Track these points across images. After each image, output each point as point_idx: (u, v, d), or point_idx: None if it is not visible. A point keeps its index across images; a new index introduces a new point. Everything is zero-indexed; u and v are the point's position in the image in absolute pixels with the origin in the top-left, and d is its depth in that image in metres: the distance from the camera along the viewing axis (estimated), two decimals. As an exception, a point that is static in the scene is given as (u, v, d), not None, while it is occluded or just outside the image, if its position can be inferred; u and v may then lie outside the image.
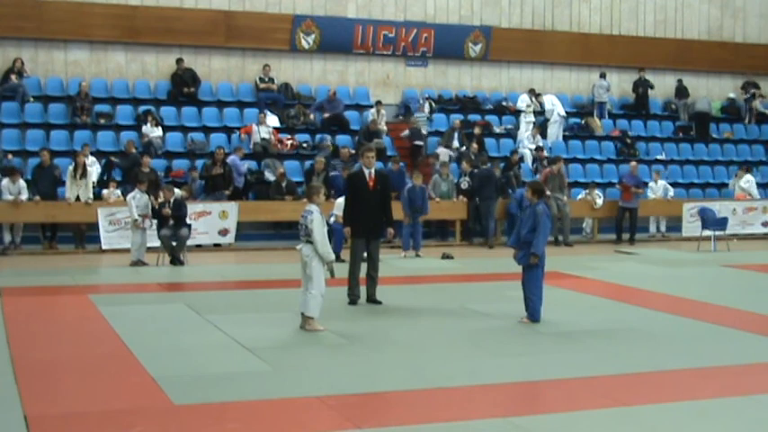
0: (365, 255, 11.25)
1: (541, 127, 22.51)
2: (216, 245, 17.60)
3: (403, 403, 6.89)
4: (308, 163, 19.56)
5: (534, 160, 21.51)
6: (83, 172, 16.97)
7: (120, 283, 13.29)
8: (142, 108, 20.10)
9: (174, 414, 6.52)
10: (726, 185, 23.08)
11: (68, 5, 20.09)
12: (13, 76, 19.34)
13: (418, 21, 22.81)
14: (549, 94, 23.41)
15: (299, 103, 21.31)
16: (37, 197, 16.70)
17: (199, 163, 19.09)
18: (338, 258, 12.80)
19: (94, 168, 17.83)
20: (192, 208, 16.41)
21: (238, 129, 20.40)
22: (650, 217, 21.19)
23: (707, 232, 18.68)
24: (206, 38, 21.13)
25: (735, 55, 25.99)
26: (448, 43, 22.95)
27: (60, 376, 7.54)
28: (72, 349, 8.57)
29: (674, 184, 22.81)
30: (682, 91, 24.94)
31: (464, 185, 19.27)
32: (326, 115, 20.99)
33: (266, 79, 21.25)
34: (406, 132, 21.34)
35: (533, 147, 21.83)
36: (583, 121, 23.79)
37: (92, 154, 18.07)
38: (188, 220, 15.45)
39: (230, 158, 18.62)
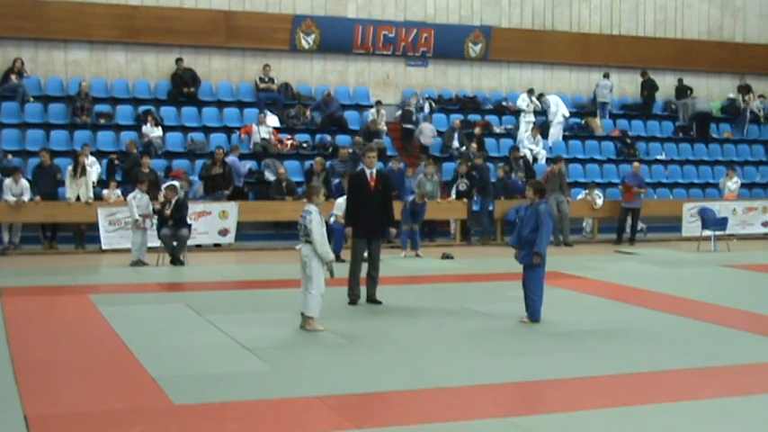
0: (366, 255, 11.26)
1: (542, 127, 22.50)
2: (216, 245, 17.60)
3: (403, 403, 6.89)
4: (307, 163, 19.57)
5: (534, 160, 21.53)
6: (83, 172, 16.97)
7: (120, 283, 13.29)
8: (142, 108, 20.10)
9: (174, 414, 6.52)
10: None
11: (68, 5, 20.09)
12: (13, 76, 19.34)
13: (418, 21, 22.81)
14: (553, 94, 23.39)
15: (299, 103, 21.31)
16: (37, 197, 16.70)
17: (199, 163, 19.10)
18: (338, 258, 12.81)
19: (94, 168, 17.83)
20: (193, 208, 16.41)
21: (238, 129, 20.40)
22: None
23: (707, 232, 18.69)
24: (206, 38, 21.13)
25: (735, 55, 25.99)
26: (448, 43, 22.94)
27: (60, 376, 7.54)
28: (72, 349, 8.57)
29: (674, 185, 22.85)
30: (682, 91, 24.94)
31: (462, 187, 19.26)
32: (323, 115, 20.98)
33: (266, 79, 21.25)
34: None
35: (533, 147, 21.85)
36: (583, 121, 23.79)
37: (92, 154, 18.07)
38: (188, 220, 15.46)
39: (230, 158, 18.62)
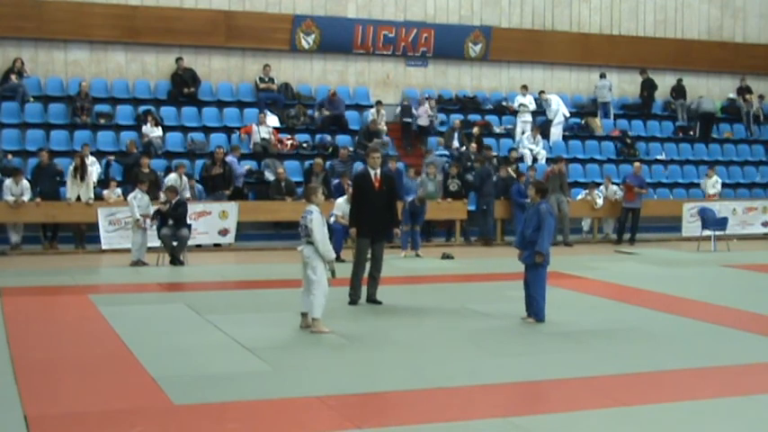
0: (369, 255, 11.24)
1: (542, 127, 22.50)
2: (216, 245, 17.60)
3: (403, 403, 6.89)
4: (307, 163, 19.57)
5: (534, 160, 21.51)
6: (84, 172, 16.97)
7: (120, 283, 13.30)
8: (142, 108, 20.09)
9: (174, 414, 6.52)
10: (726, 185, 23.04)
11: (68, 5, 20.08)
12: (13, 76, 19.33)
13: (418, 21, 22.81)
14: (553, 94, 23.38)
15: (299, 103, 21.31)
16: (37, 198, 16.70)
17: (199, 163, 19.10)
18: (338, 258, 12.80)
19: (95, 168, 17.83)
20: (192, 208, 16.41)
21: (238, 129, 20.39)
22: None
23: (707, 232, 18.69)
24: (206, 38, 21.12)
25: (735, 55, 25.98)
26: (448, 43, 22.94)
27: (60, 376, 7.54)
28: (72, 349, 8.57)
29: (674, 185, 22.84)
30: (680, 91, 24.93)
31: (453, 187, 19.24)
32: (326, 113, 20.94)
33: (266, 79, 21.25)
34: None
35: (533, 147, 21.83)
36: (583, 121, 23.78)
37: (92, 154, 18.07)
38: (188, 220, 15.46)
39: (229, 158, 18.62)
